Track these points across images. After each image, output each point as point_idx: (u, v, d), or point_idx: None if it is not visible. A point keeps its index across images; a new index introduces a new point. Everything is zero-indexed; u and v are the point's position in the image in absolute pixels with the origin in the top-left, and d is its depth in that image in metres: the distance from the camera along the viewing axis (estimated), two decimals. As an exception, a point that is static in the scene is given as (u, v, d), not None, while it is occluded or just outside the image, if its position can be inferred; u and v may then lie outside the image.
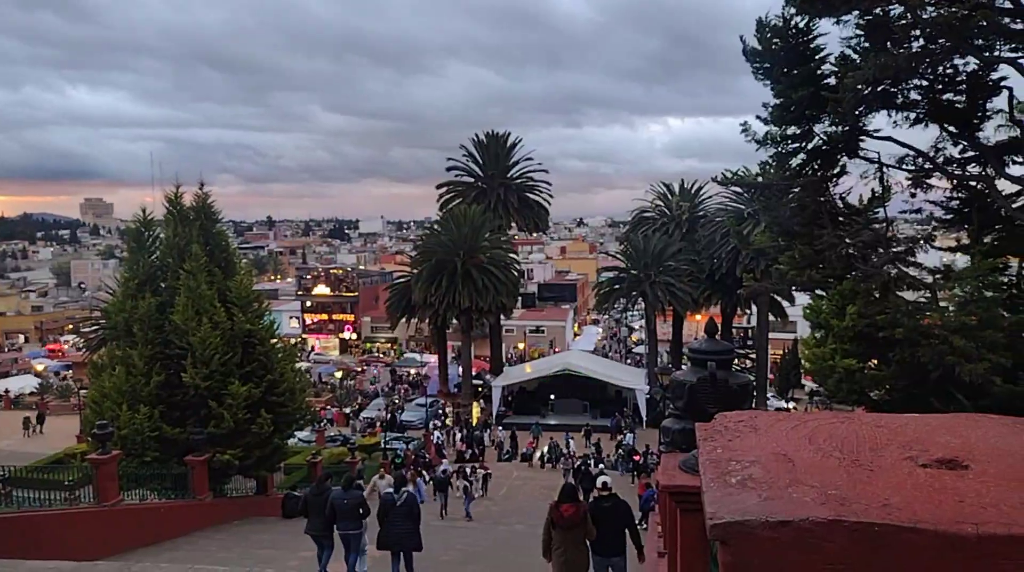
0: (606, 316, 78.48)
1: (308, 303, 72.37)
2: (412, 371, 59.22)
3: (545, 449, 34.07)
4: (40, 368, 57.44)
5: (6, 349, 71.19)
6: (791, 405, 44.40)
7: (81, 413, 29.33)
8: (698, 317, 54.86)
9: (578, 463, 28.77)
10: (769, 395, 46.20)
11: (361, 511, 10.51)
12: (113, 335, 19.86)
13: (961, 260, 15.02)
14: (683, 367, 45.85)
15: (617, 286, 47.10)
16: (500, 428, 40.80)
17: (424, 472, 24.65)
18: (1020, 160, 13.27)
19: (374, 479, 15.59)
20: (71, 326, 71.66)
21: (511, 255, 49.25)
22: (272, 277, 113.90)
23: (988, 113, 13.56)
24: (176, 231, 19.41)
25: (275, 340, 21.52)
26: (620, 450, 33.99)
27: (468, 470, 24.94)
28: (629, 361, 61.63)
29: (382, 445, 32.63)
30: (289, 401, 20.39)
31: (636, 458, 29.82)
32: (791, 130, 13.85)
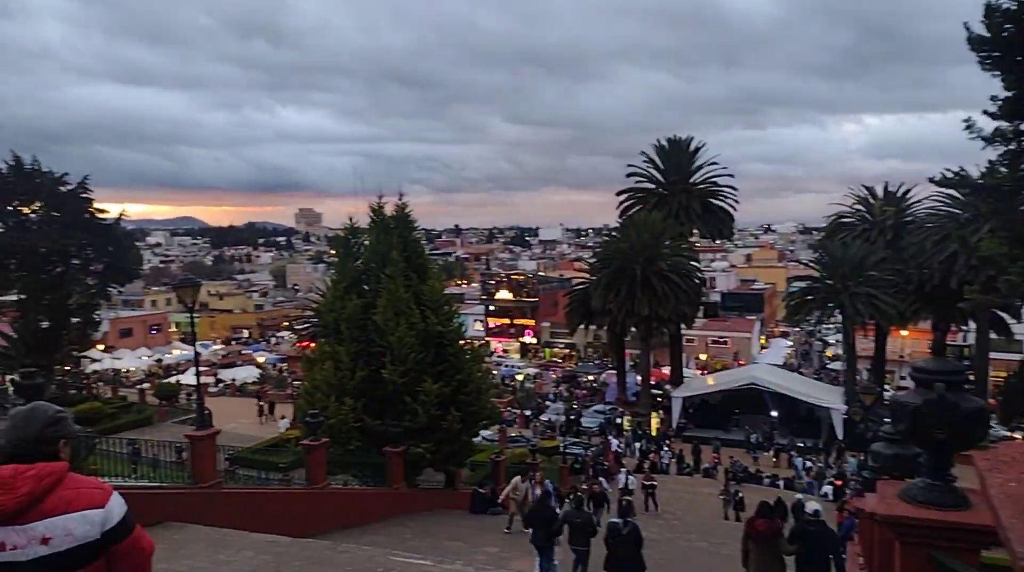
0: (797, 329, 73.86)
1: (491, 307, 74.99)
2: (589, 377, 59.41)
3: (728, 465, 32.73)
4: (261, 360, 64.38)
5: (232, 342, 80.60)
6: (1017, 435, 39.02)
7: (295, 402, 32.38)
8: (904, 332, 50.10)
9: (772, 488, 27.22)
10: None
11: (590, 530, 11.23)
12: (323, 333, 21.79)
13: None
14: (887, 386, 42.16)
15: (810, 297, 44.21)
16: (680, 440, 39.85)
17: (604, 479, 24.57)
18: None
19: (515, 480, 15.99)
20: (286, 323, 79.58)
21: (693, 263, 47.89)
22: (459, 282, 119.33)
23: None
24: (378, 238, 20.94)
25: (463, 342, 22.52)
26: (813, 473, 31.84)
27: (637, 482, 24.07)
28: (823, 378, 57.48)
29: (561, 449, 33.00)
30: (476, 400, 21.23)
31: (838, 483, 27.63)
32: (1028, 125, 12.23)
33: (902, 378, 51.36)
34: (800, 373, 58.31)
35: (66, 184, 41.37)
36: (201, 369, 17.78)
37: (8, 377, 37.85)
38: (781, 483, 30.41)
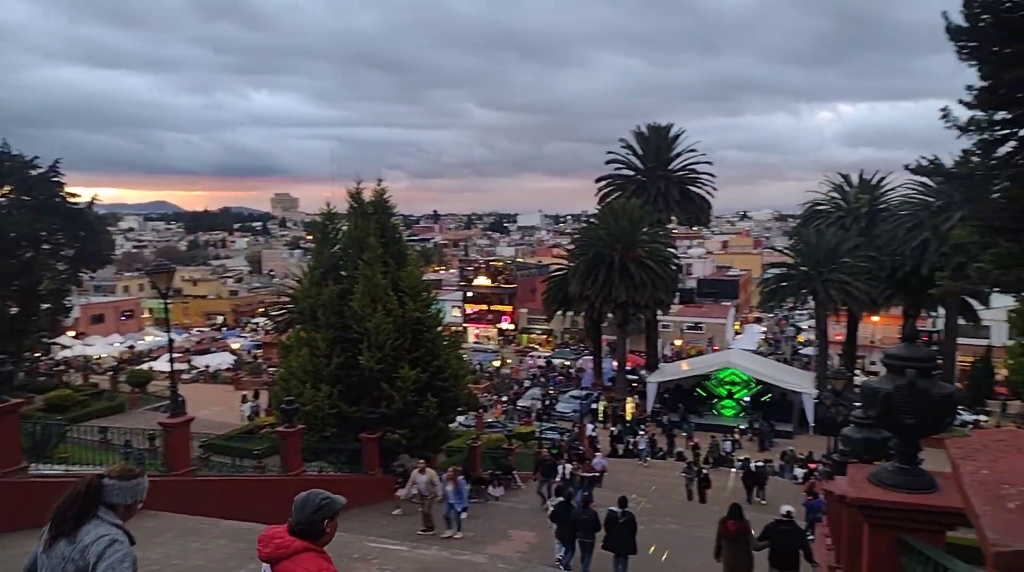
0: (771, 315, 74.70)
1: (469, 293, 74.87)
2: (566, 363, 59.66)
3: (705, 449, 33.15)
4: (235, 346, 63.72)
5: (207, 329, 79.64)
6: (983, 419, 39.87)
7: (270, 389, 32.09)
8: (875, 318, 50.91)
9: (752, 463, 27.53)
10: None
11: (595, 525, 12.57)
12: (300, 319, 21.63)
13: None
14: (857, 372, 42.65)
15: (785, 283, 44.75)
16: (654, 425, 40.29)
17: (578, 463, 24.75)
18: None
19: (413, 473, 15.35)
20: (262, 309, 78.82)
21: (670, 249, 48.18)
22: (437, 268, 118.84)
23: None
24: (356, 224, 20.77)
25: (441, 328, 22.47)
26: (784, 457, 32.34)
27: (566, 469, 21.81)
28: (795, 363, 58.32)
29: (536, 434, 33.17)
30: (453, 386, 21.24)
31: (812, 466, 28.14)
32: (1000, 115, 12.39)
33: (872, 364, 52.27)
34: (773, 358, 59.09)
35: (36, 168, 40.37)
36: (174, 355, 17.56)
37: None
38: (752, 466, 30.83)
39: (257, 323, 77.21)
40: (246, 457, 19.40)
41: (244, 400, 40.01)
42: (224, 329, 79.11)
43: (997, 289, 14.35)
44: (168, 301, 14.03)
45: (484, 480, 20.58)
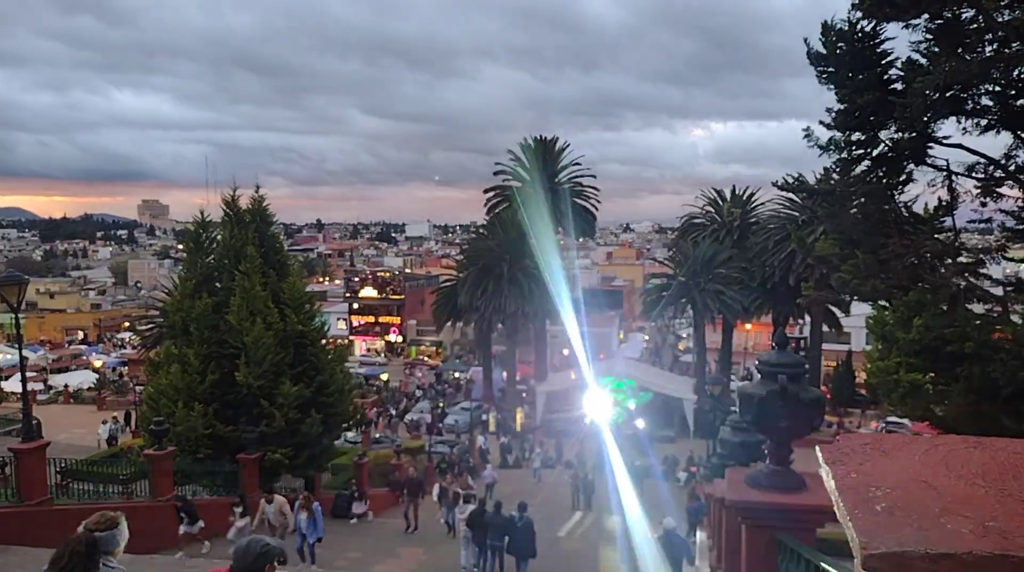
0: (653, 323, 77.58)
1: (355, 305, 73.31)
2: (456, 374, 59.48)
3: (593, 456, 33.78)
4: (98, 364, 59.32)
5: (66, 345, 73.80)
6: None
7: (137, 409, 30.09)
8: (748, 326, 53.93)
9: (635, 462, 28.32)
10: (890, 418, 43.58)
11: (504, 529, 13.20)
12: (170, 334, 20.37)
13: (1034, 272, 14.38)
14: (733, 377, 44.65)
15: (665, 293, 46.58)
16: (544, 433, 40.76)
17: (469, 476, 24.66)
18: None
19: (260, 502, 14.50)
20: (128, 324, 73.94)
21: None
22: (321, 279, 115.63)
23: (1065, 119, 12.93)
24: (232, 233, 19.82)
25: (325, 341, 21.80)
26: (664, 462, 33.48)
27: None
28: (676, 369, 60.79)
29: (426, 448, 32.80)
30: (338, 402, 20.63)
31: (694, 470, 29.31)
32: (855, 136, 13.42)
33: (746, 369, 55.30)
34: (655, 365, 61.29)
35: None
36: (29, 374, 16.08)
37: None
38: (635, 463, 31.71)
39: (123, 338, 72.39)
40: (111, 482, 18.03)
41: (116, 420, 37.36)
42: (86, 345, 73.59)
43: (856, 298, 15.53)
44: (20, 315, 12.83)
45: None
